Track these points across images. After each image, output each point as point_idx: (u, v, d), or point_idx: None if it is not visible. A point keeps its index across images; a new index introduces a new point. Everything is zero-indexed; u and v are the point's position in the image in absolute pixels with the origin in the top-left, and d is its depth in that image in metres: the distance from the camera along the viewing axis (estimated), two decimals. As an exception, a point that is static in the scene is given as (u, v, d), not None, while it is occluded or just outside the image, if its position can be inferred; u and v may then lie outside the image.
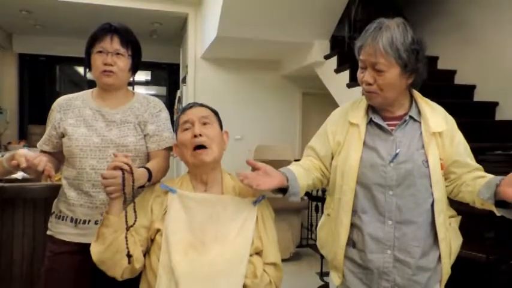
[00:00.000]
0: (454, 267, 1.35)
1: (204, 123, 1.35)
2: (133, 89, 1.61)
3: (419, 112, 1.34)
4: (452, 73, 3.85)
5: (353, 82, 3.59)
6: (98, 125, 1.44)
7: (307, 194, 3.51)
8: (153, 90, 7.74)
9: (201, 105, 1.44)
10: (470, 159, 1.34)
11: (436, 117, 1.33)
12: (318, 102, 4.95)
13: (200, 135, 1.31)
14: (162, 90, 7.45)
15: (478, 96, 3.59)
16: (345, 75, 3.69)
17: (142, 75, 7.42)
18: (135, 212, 1.19)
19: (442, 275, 1.31)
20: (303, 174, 1.34)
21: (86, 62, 1.49)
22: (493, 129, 3.23)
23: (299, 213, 4.05)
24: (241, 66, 4.85)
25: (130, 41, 1.49)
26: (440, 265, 1.31)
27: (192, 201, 1.30)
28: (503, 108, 3.35)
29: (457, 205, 1.37)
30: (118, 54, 1.44)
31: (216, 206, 1.30)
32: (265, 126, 4.91)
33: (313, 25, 3.86)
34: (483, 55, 3.56)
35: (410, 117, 1.33)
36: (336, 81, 3.84)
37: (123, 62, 1.45)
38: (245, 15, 3.62)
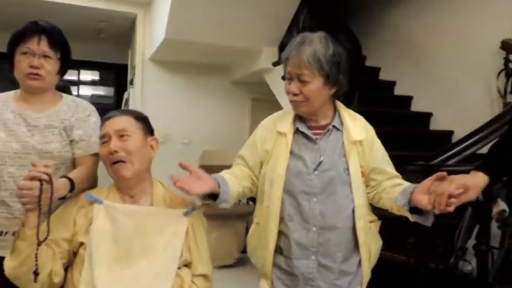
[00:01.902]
0: (376, 270, 1.41)
1: (122, 136, 1.30)
2: (78, 89, 1.53)
3: (341, 122, 1.39)
4: (392, 84, 4.03)
5: (299, 90, 3.67)
6: (19, 130, 1.36)
7: (252, 199, 3.54)
8: (100, 90, 7.47)
9: (124, 113, 1.36)
10: (389, 167, 1.40)
11: (357, 127, 1.39)
12: (267, 108, 4.95)
13: (116, 151, 1.26)
14: (110, 91, 7.22)
15: (415, 106, 3.79)
16: (292, 82, 3.76)
17: (88, 75, 7.15)
18: (48, 226, 1.14)
19: (363, 278, 1.37)
20: (234, 181, 1.35)
21: (9, 61, 1.41)
22: (427, 138, 3.42)
23: (244, 218, 4.06)
24: (191, 70, 4.82)
25: (59, 42, 1.42)
26: (360, 268, 1.37)
27: (119, 213, 1.26)
28: (437, 118, 3.55)
29: (382, 211, 1.43)
30: (45, 56, 1.37)
31: (144, 218, 1.28)
32: (214, 131, 4.89)
33: (262, 32, 3.91)
34: (420, 67, 3.76)
35: (334, 126, 1.38)
36: (283, 89, 3.89)
37: (50, 65, 1.38)
38: (193, 18, 3.60)
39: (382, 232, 1.44)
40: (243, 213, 3.81)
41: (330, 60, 1.28)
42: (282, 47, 4.10)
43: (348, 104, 2.86)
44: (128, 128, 1.31)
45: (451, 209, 1.13)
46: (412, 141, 3.33)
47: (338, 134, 1.38)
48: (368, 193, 1.40)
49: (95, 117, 1.51)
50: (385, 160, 1.41)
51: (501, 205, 1.72)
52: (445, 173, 1.17)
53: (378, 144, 1.43)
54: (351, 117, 1.42)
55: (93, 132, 1.46)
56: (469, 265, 1.76)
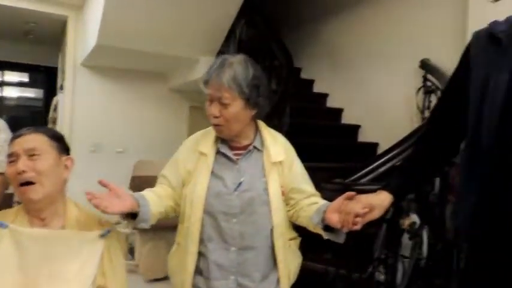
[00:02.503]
0: (296, 279, 1.45)
1: (32, 155, 1.23)
2: (1, 90, 1.43)
3: (262, 142, 1.42)
4: (325, 96, 4.20)
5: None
6: None
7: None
8: (29, 92, 7.05)
9: (36, 131, 1.29)
10: (307, 186, 1.45)
11: (277, 147, 1.42)
12: (205, 116, 4.95)
13: (24, 171, 1.19)
14: (40, 94, 6.84)
15: (346, 119, 3.97)
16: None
17: (16, 76, 6.72)
18: None
19: (282, 294, 1.40)
20: (156, 201, 1.33)
21: None
22: (355, 150, 3.59)
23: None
24: (126, 76, 4.68)
25: None
26: (279, 286, 1.40)
27: (25, 237, 1.19)
28: (365, 130, 3.75)
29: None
30: None
31: (55, 242, 1.22)
32: (150, 139, 4.78)
33: (199, 41, 3.90)
34: (351, 81, 3.95)
35: (254, 147, 1.41)
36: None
37: None
38: (127, 25, 3.51)
39: (304, 243, 1.49)
40: (176, 225, 3.75)
41: (250, 83, 1.30)
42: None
43: (280, 116, 2.96)
44: (38, 147, 1.24)
45: (358, 227, 1.19)
46: (342, 153, 3.49)
47: (259, 154, 1.41)
48: (288, 211, 1.44)
49: (5, 134, 1.42)
50: (304, 179, 1.46)
51: (412, 218, 1.86)
52: (353, 193, 1.23)
53: (297, 164, 1.47)
54: (272, 138, 1.45)
55: (2, 149, 1.38)
56: (383, 274, 1.88)
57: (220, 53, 4.13)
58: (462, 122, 1.16)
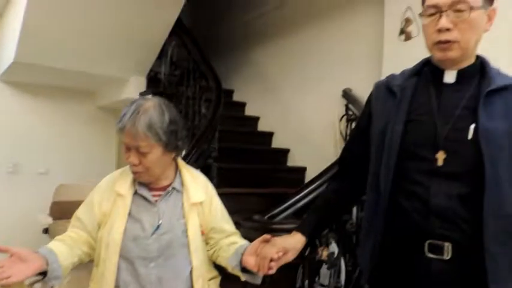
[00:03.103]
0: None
1: None
2: None
3: (182, 182, 1.42)
4: (256, 119, 4.28)
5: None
6: None
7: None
8: None
9: None
10: (227, 225, 1.47)
11: (197, 187, 1.42)
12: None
13: None
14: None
15: (276, 142, 4.07)
16: (158, 115, 3.73)
17: None
18: None
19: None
20: (66, 252, 1.27)
21: None
22: (284, 174, 3.69)
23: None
24: (50, 94, 4.44)
25: None
26: None
27: None
28: (294, 154, 3.87)
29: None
30: None
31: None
32: (77, 160, 4.55)
33: (128, 61, 3.82)
34: (281, 105, 4.07)
35: (174, 188, 1.39)
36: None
37: None
38: (49, 42, 3.34)
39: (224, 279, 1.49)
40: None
41: (167, 129, 1.29)
42: (150, 77, 4.07)
43: (209, 141, 2.96)
44: None
45: (273, 271, 1.23)
46: (272, 177, 3.57)
47: (178, 195, 1.40)
48: (207, 251, 1.44)
49: None
50: (223, 218, 1.47)
51: (331, 248, 1.95)
52: (269, 236, 1.27)
53: (216, 203, 1.48)
54: (192, 177, 1.45)
55: None
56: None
57: (152, 72, 4.08)
58: (366, 165, 1.25)
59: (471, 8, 1.08)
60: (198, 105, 3.42)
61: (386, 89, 1.25)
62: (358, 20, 3.30)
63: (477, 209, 1.05)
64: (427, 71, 1.21)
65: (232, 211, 3.03)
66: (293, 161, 3.85)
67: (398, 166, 1.14)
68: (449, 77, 1.16)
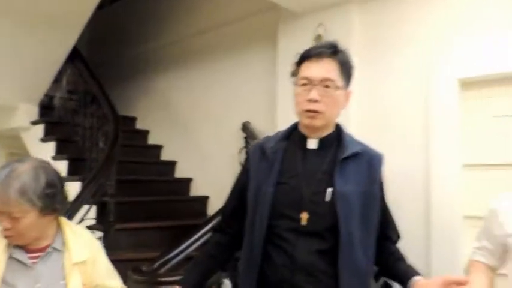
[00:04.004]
0: None
1: None
2: None
3: (64, 241, 1.38)
4: (159, 148, 4.25)
5: (59, 155, 3.47)
6: None
7: None
8: None
9: None
10: (113, 281, 1.45)
11: (80, 246, 1.39)
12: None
13: None
14: None
15: (179, 172, 4.08)
16: (51, 146, 3.53)
17: None
18: None
19: None
20: None
21: None
22: (188, 204, 3.71)
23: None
24: None
25: None
26: None
27: None
28: (197, 183, 3.91)
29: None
30: None
31: None
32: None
33: (18, 88, 3.56)
34: (185, 134, 4.09)
35: (54, 248, 1.35)
36: (42, 150, 3.61)
37: None
38: None
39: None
40: None
41: (42, 193, 1.24)
42: (42, 105, 3.84)
43: (106, 176, 2.87)
44: None
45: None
46: (174, 208, 3.56)
47: (59, 255, 1.36)
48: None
49: None
50: (108, 275, 1.46)
51: (224, 284, 2.02)
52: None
53: (102, 260, 1.46)
54: (74, 236, 1.41)
55: None
56: None
57: (47, 97, 3.86)
58: (245, 220, 1.36)
59: (336, 87, 1.26)
60: (95, 137, 3.30)
61: (260, 150, 1.37)
62: (256, 57, 3.48)
63: (334, 263, 1.20)
64: (295, 136, 1.36)
65: (131, 247, 2.99)
66: (196, 190, 3.89)
67: (270, 224, 1.26)
68: (312, 143, 1.32)
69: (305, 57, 1.31)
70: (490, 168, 2.17)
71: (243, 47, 3.58)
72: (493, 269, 1.36)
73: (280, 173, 1.29)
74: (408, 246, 2.27)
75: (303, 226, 1.23)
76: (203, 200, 3.69)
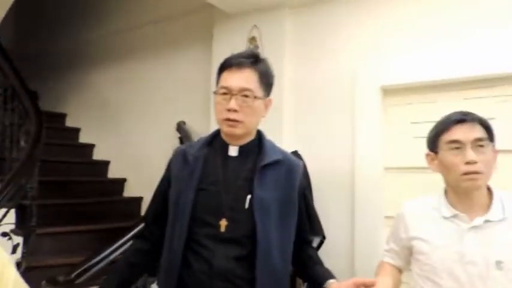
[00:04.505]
0: None
1: None
2: None
3: None
4: (91, 147, 4.07)
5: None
6: None
7: None
8: None
9: None
10: None
11: None
12: None
13: None
14: None
15: (112, 172, 3.93)
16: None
17: None
18: None
19: None
20: None
21: None
22: (121, 205, 3.58)
23: None
24: None
25: None
26: None
27: None
28: (131, 184, 3.79)
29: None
30: None
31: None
32: None
33: None
34: (119, 132, 3.94)
35: None
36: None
37: None
38: None
39: None
40: None
41: None
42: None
43: (27, 177, 2.69)
44: None
45: None
46: (107, 209, 3.43)
47: None
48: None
49: None
50: None
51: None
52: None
53: (9, 274, 1.34)
54: None
55: None
56: None
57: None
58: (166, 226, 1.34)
59: (255, 97, 1.28)
60: (16, 135, 3.09)
61: (183, 156, 1.36)
62: (193, 56, 3.43)
63: (251, 268, 1.22)
64: (217, 143, 1.36)
65: (56, 253, 2.82)
66: (130, 191, 3.77)
67: (190, 231, 1.26)
68: (233, 151, 1.33)
69: (225, 66, 1.32)
70: (409, 171, 2.31)
71: (180, 44, 3.52)
72: (399, 270, 1.46)
73: (201, 180, 1.30)
74: (333, 245, 2.39)
75: (222, 233, 1.24)
76: (137, 201, 3.59)
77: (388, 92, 2.37)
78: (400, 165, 2.33)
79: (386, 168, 2.35)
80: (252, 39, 2.97)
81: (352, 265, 2.30)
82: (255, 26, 2.91)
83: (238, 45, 2.91)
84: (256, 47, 2.93)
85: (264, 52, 2.81)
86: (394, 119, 2.36)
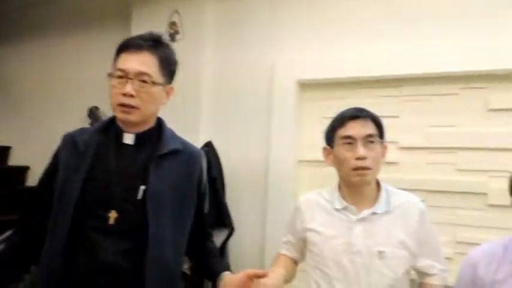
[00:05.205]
0: None
1: None
2: None
3: None
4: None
5: None
6: None
7: None
8: None
9: None
10: None
11: None
12: None
13: None
14: None
15: (14, 159, 3.58)
16: None
17: None
18: None
19: None
20: None
21: None
22: (23, 196, 3.28)
23: None
24: None
25: None
26: None
27: None
28: (35, 173, 3.48)
29: None
30: None
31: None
32: None
33: None
34: (22, 117, 3.59)
35: None
36: None
37: None
38: None
39: None
40: None
41: None
42: None
43: None
44: None
45: None
46: (7, 200, 3.12)
47: None
48: None
49: None
50: None
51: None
52: None
53: None
54: None
55: None
56: None
57: None
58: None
59: (153, 82, 1.19)
60: None
61: (72, 142, 1.25)
62: (108, 38, 3.20)
63: (141, 262, 1.15)
64: (111, 130, 1.26)
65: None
66: (34, 180, 3.46)
67: (74, 222, 1.15)
68: (128, 139, 1.24)
69: (123, 47, 1.22)
70: (321, 164, 2.36)
71: (94, 24, 3.28)
72: (295, 262, 1.48)
73: (91, 168, 1.20)
74: (245, 237, 2.39)
75: (111, 225, 1.15)
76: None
77: (304, 86, 2.40)
78: (313, 158, 2.38)
79: (300, 161, 2.39)
80: (173, 24, 2.85)
81: (263, 256, 2.31)
82: (176, 11, 2.80)
83: (158, 29, 2.78)
84: (177, 32, 2.83)
85: (185, 39, 2.73)
86: (309, 114, 2.40)
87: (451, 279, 1.36)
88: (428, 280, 1.34)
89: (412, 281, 1.40)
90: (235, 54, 2.58)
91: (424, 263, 1.33)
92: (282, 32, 2.47)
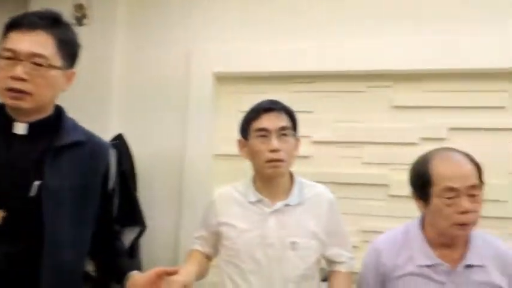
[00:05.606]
0: None
1: None
2: None
3: None
4: None
5: None
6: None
7: None
8: None
9: None
10: None
11: None
12: None
13: None
14: None
15: None
16: None
17: None
18: None
19: None
20: None
21: None
22: None
23: None
24: None
25: None
26: None
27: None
28: None
29: None
30: None
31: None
32: None
33: None
34: None
35: None
36: None
37: None
38: None
39: None
40: None
41: None
42: None
43: None
44: None
45: None
46: None
47: None
48: None
49: None
50: None
51: None
52: None
53: None
54: None
55: None
56: None
57: None
58: None
59: (50, 66, 1.06)
60: None
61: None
62: (2, 16, 2.88)
63: (36, 264, 1.03)
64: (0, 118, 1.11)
65: None
66: None
67: None
68: (20, 128, 1.10)
69: (13, 25, 1.07)
70: (237, 158, 2.34)
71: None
72: (208, 257, 1.45)
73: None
74: (158, 233, 2.29)
75: (-1, 227, 1.01)
76: None
77: (221, 79, 2.36)
78: (229, 152, 2.36)
79: (216, 155, 2.36)
80: (79, 7, 2.63)
81: (177, 254, 2.24)
82: (84, -9, 2.58)
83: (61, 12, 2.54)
84: (84, 16, 2.61)
85: (94, 24, 2.53)
86: (226, 107, 2.37)
87: (357, 266, 1.44)
88: (337, 268, 1.40)
89: (321, 269, 1.45)
90: (150, 42, 2.46)
91: (332, 252, 1.38)
92: (200, 19, 2.40)
